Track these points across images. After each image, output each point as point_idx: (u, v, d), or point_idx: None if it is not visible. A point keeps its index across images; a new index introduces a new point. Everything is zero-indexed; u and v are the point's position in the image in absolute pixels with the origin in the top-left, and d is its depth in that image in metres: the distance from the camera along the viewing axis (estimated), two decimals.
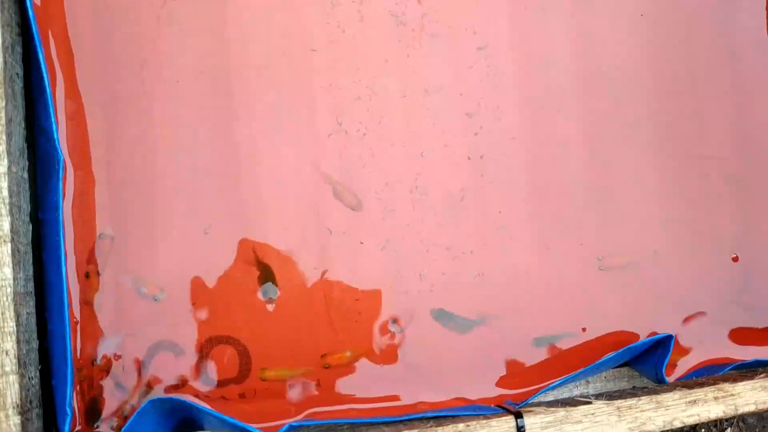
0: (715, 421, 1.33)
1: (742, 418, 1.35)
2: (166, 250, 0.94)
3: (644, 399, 0.76)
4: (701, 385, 0.79)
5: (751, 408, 0.78)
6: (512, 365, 0.97)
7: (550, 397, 0.90)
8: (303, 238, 0.99)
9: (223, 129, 0.97)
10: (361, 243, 0.99)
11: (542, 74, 1.07)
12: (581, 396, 0.82)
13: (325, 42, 1.01)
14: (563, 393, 0.90)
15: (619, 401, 0.76)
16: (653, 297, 1.05)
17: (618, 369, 0.94)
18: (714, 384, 0.79)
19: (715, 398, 0.78)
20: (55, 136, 0.72)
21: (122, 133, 0.93)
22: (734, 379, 0.79)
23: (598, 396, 0.76)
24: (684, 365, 0.91)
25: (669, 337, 0.83)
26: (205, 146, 0.96)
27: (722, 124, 1.10)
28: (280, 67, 0.99)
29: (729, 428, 1.34)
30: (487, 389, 0.91)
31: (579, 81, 1.08)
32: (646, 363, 0.88)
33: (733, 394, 0.78)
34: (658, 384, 0.87)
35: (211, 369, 0.94)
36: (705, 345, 0.96)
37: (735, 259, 1.09)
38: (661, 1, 1.10)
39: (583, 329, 1.02)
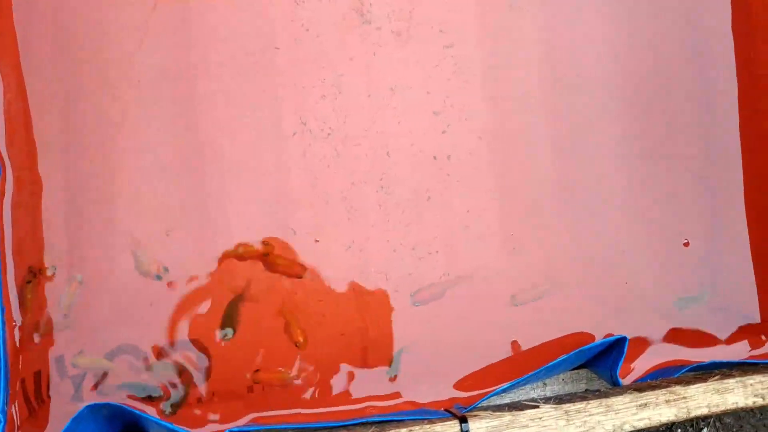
0: (692, 420, 1.32)
1: (720, 417, 1.34)
2: (125, 253, 0.93)
3: (593, 402, 0.75)
4: (653, 388, 0.78)
5: (704, 411, 0.77)
6: (470, 367, 0.97)
7: (506, 399, 0.89)
8: (266, 239, 0.98)
9: (186, 129, 0.97)
10: (316, 241, 0.98)
11: (509, 73, 1.07)
12: (538, 398, 0.81)
13: (290, 41, 1.01)
14: (520, 396, 0.89)
15: (568, 405, 0.75)
16: (620, 296, 1.04)
17: (576, 371, 0.93)
18: (666, 387, 0.78)
19: (667, 401, 0.76)
20: None
21: (81, 134, 0.93)
22: (687, 382, 0.78)
23: (547, 400, 0.75)
24: (641, 367, 0.90)
25: (623, 339, 0.82)
26: (168, 146, 0.96)
27: (689, 122, 1.09)
28: (244, 66, 0.99)
29: (706, 428, 1.33)
30: (443, 392, 0.90)
31: (546, 80, 1.07)
32: (602, 365, 0.87)
33: (685, 397, 0.77)
34: (614, 386, 0.86)
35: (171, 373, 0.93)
36: (666, 346, 0.95)
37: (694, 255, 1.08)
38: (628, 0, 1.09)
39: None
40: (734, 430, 1.34)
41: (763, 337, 0.96)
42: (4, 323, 0.71)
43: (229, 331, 0.94)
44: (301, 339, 0.96)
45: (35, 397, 0.83)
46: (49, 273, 0.89)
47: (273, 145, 0.99)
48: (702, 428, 1.33)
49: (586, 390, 0.86)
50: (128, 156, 0.94)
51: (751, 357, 0.92)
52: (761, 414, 1.35)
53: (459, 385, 0.92)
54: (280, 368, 0.93)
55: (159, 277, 0.93)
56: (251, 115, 0.99)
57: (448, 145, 1.04)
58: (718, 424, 1.34)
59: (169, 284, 0.94)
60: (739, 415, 1.34)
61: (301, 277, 0.97)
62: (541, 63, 1.07)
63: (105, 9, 0.94)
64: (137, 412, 0.72)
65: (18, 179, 0.79)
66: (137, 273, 0.93)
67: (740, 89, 1.08)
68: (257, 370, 0.93)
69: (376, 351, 0.99)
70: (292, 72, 1.00)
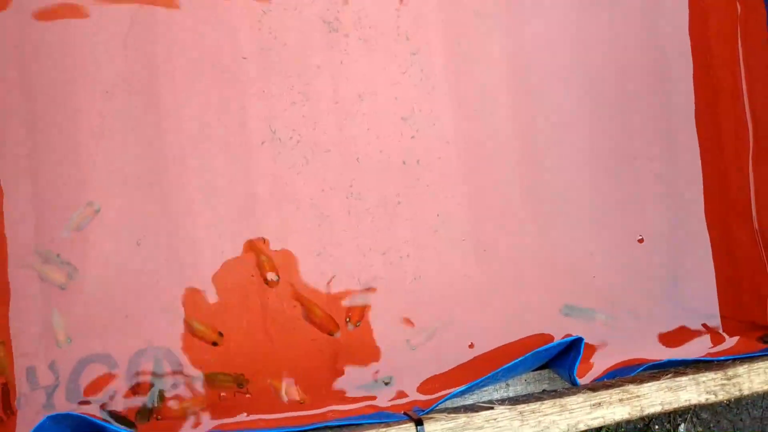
0: (669, 414, 1.33)
1: (696, 413, 1.35)
2: (99, 262, 0.95)
3: (548, 403, 0.77)
4: (607, 387, 0.79)
5: (657, 409, 0.78)
6: (435, 370, 0.98)
7: (470, 400, 0.90)
8: (236, 248, 0.99)
9: (153, 140, 0.98)
10: (285, 248, 1.00)
11: (475, 78, 1.08)
12: (496, 400, 0.83)
13: (257, 50, 1.02)
14: (483, 397, 0.91)
15: (522, 405, 0.76)
16: (585, 297, 1.05)
17: (538, 371, 0.94)
18: (620, 386, 0.79)
19: (620, 400, 0.78)
20: None
21: (47, 146, 0.94)
22: (641, 381, 0.79)
23: (503, 401, 0.77)
24: (600, 367, 0.91)
25: (579, 340, 0.84)
26: (135, 157, 0.97)
27: (649, 124, 1.10)
28: (210, 76, 1.00)
29: (683, 424, 1.34)
30: (408, 395, 0.91)
31: (511, 84, 1.08)
32: (562, 365, 0.88)
33: (638, 396, 0.78)
34: (573, 386, 0.87)
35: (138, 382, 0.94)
36: (628, 346, 0.96)
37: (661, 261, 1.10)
38: (591, 5, 1.10)
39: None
40: (711, 425, 1.35)
41: (723, 334, 0.98)
42: None
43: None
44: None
45: (3, 408, 0.85)
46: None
47: (242, 153, 1.00)
48: (679, 424, 1.34)
49: (544, 390, 0.87)
50: (96, 167, 0.95)
51: (709, 354, 0.93)
52: (737, 409, 1.36)
53: (422, 388, 0.93)
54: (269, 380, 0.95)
55: None
56: (219, 125, 1.00)
57: (417, 150, 1.06)
58: (695, 419, 1.35)
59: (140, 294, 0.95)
60: (716, 410, 1.35)
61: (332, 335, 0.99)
62: (506, 68, 1.08)
63: (72, 22, 0.95)
64: (100, 422, 0.73)
65: None
66: (111, 284, 0.94)
67: (697, 91, 1.10)
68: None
69: (346, 356, 1.00)
70: (260, 81, 1.02)
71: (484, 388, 0.90)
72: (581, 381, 0.88)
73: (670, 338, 1.00)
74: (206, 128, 0.99)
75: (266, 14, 1.02)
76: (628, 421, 1.24)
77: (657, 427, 1.33)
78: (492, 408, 0.74)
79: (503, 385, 0.91)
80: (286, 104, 1.02)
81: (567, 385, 0.90)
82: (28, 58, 0.94)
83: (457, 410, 0.76)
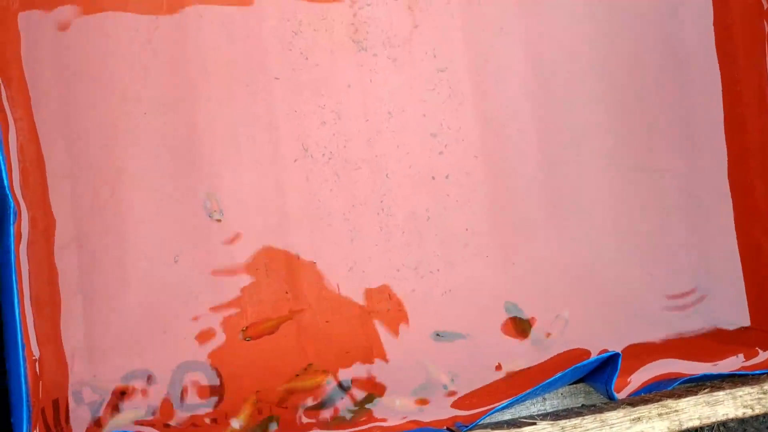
0: (696, 428, 1.34)
1: (723, 422, 1.36)
2: (137, 280, 0.96)
3: (588, 418, 0.78)
4: (646, 402, 0.80)
5: (696, 423, 0.79)
6: (473, 385, 0.99)
7: (507, 415, 0.91)
8: (270, 264, 1.00)
9: (188, 160, 0.99)
10: (314, 262, 1.01)
11: (499, 93, 1.09)
12: (537, 414, 0.84)
13: (288, 70, 1.04)
14: (521, 411, 0.92)
15: (564, 421, 0.77)
16: (611, 309, 1.07)
17: (574, 385, 0.95)
18: (659, 400, 0.80)
19: (659, 415, 0.79)
20: (5, 183, 0.75)
21: (87, 168, 0.96)
22: (679, 395, 0.81)
23: (544, 416, 0.78)
24: (636, 381, 0.92)
25: (616, 355, 0.85)
26: (171, 175, 0.98)
27: (672, 136, 1.11)
28: (243, 97, 1.02)
29: None
30: (443, 411, 0.92)
31: (535, 99, 1.10)
32: (599, 380, 0.89)
33: (677, 410, 0.80)
34: (610, 401, 0.88)
35: (182, 396, 0.95)
36: (656, 360, 0.97)
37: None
38: (611, 17, 1.11)
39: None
40: None
41: (757, 348, 0.98)
42: (24, 359, 0.74)
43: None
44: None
45: (54, 424, 0.87)
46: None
47: (275, 171, 1.02)
48: None
49: (582, 405, 0.88)
50: (133, 187, 0.97)
51: (743, 368, 0.94)
52: (764, 417, 1.37)
53: (458, 404, 0.94)
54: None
55: None
56: (252, 144, 1.01)
57: (446, 165, 1.07)
58: (722, 428, 1.36)
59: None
60: (743, 419, 1.36)
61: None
62: (528, 82, 1.09)
63: (104, 47, 0.97)
64: None
65: (32, 219, 0.82)
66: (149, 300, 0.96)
67: (725, 102, 1.11)
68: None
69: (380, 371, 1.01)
70: (291, 100, 1.03)
71: (521, 404, 0.92)
72: (618, 395, 0.89)
73: (701, 352, 1.01)
74: (240, 147, 1.01)
75: (297, 35, 1.04)
76: None
77: None
78: (535, 423, 0.75)
79: (540, 399, 0.92)
80: (318, 123, 1.03)
81: (603, 398, 0.92)
82: (67, 76, 0.95)
83: (500, 425, 0.77)
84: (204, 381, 0.97)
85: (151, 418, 0.93)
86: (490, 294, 1.06)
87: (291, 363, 1.00)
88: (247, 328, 0.99)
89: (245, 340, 0.98)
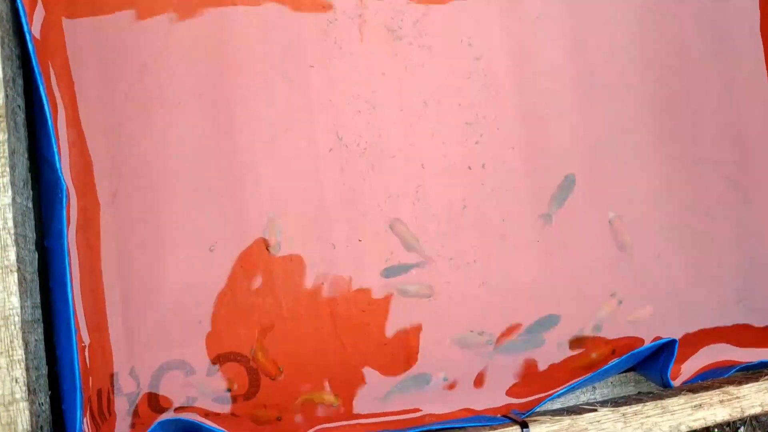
0: (726, 423, 1.33)
1: (756, 416, 1.35)
2: (173, 269, 0.95)
3: (650, 404, 0.77)
4: (706, 388, 0.79)
5: (757, 410, 0.78)
6: (520, 374, 0.98)
7: (557, 404, 0.90)
8: (306, 253, 0.99)
9: (225, 149, 0.99)
10: (360, 240, 1.00)
11: (538, 82, 1.08)
12: (588, 402, 0.83)
13: (323, 59, 1.03)
14: (570, 400, 0.91)
15: (625, 407, 0.76)
16: (657, 300, 1.05)
17: (624, 374, 0.94)
18: (719, 387, 0.79)
19: (721, 401, 0.78)
20: (58, 166, 0.74)
21: (126, 157, 0.95)
22: (739, 382, 0.79)
23: (604, 403, 0.77)
24: (689, 369, 0.91)
25: (673, 342, 0.84)
26: (208, 166, 0.97)
27: (718, 127, 1.10)
28: (279, 85, 1.01)
29: (742, 427, 1.34)
30: (497, 399, 0.91)
31: (574, 88, 1.08)
32: (651, 368, 0.88)
33: (738, 397, 0.79)
34: (664, 388, 0.87)
35: (221, 387, 0.94)
36: (709, 347, 0.96)
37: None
38: (654, 6, 1.10)
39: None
40: None
41: None
42: (77, 345, 0.73)
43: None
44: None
45: (99, 414, 0.85)
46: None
47: (310, 161, 1.01)
48: (739, 427, 1.34)
49: (639, 392, 0.87)
50: (170, 177, 0.96)
51: None
52: None
53: (511, 392, 0.93)
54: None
55: None
56: (288, 134, 1.00)
57: (482, 155, 1.06)
58: (754, 422, 1.35)
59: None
60: None
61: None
62: (568, 71, 1.08)
63: (141, 37, 0.96)
64: (206, 425, 0.74)
65: (81, 204, 0.81)
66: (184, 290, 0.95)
67: None
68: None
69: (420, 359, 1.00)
70: (327, 90, 1.02)
71: (572, 392, 0.91)
72: (674, 383, 0.88)
73: (746, 340, 1.00)
74: (276, 137, 1.00)
75: (332, 24, 1.03)
76: None
77: (716, 430, 1.33)
78: (595, 410, 0.74)
79: (590, 388, 0.91)
80: (353, 112, 1.02)
81: (654, 387, 0.90)
82: (111, 69, 0.95)
83: (559, 412, 0.76)
84: (242, 371, 0.95)
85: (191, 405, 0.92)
86: (528, 286, 1.05)
87: (328, 352, 0.98)
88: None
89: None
